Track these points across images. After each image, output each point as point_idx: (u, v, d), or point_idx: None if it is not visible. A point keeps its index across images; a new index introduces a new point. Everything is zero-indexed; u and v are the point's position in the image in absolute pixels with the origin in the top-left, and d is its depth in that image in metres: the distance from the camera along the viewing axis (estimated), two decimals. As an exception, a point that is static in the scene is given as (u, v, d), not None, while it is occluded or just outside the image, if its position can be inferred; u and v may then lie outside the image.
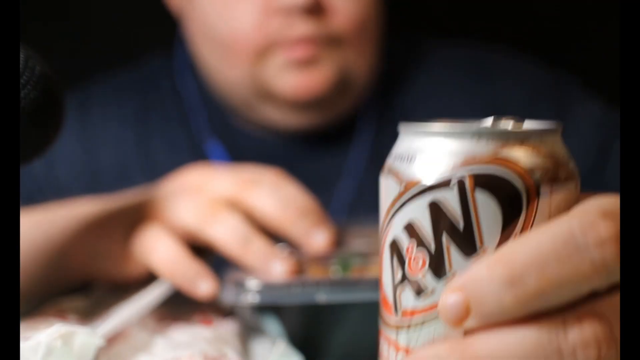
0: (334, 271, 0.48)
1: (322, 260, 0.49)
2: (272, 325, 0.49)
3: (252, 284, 0.45)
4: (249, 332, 0.53)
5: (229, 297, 0.46)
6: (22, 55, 0.37)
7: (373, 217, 0.64)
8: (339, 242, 0.52)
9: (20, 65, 0.37)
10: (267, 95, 0.72)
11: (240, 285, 0.45)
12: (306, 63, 0.68)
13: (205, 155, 0.79)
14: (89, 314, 0.52)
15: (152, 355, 0.44)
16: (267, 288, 0.45)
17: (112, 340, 0.46)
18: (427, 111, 0.78)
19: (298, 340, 0.48)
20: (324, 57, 0.69)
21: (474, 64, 0.84)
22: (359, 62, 0.73)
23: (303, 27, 0.67)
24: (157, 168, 0.78)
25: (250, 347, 0.50)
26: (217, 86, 0.77)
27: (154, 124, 0.80)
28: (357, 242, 0.52)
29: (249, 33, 0.67)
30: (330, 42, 0.69)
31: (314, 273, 0.48)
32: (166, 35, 0.85)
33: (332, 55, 0.70)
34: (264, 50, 0.69)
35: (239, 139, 0.80)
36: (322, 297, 0.44)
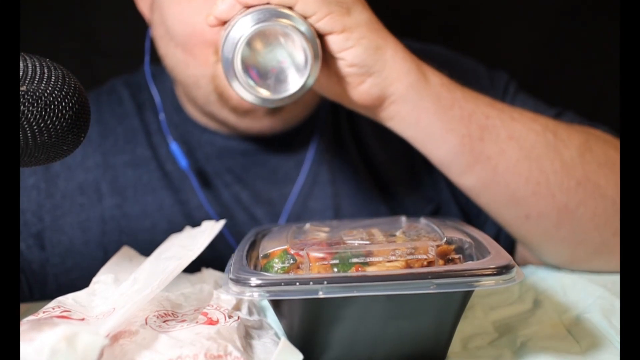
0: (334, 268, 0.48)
1: (323, 258, 0.50)
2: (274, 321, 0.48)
3: (255, 279, 0.45)
4: (251, 330, 0.53)
5: (231, 292, 0.46)
6: (60, 73, 0.45)
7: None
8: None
9: (59, 81, 0.45)
10: (223, 97, 0.73)
11: (242, 281, 0.45)
12: None
13: (166, 169, 0.81)
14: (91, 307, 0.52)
15: (156, 353, 0.45)
16: (269, 283, 0.45)
17: (117, 338, 0.46)
18: None
19: (299, 336, 0.48)
20: None
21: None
22: None
23: None
24: (124, 184, 0.80)
25: (253, 345, 0.50)
26: (181, 88, 0.79)
27: (118, 142, 0.82)
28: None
29: (206, 30, 0.66)
30: None
31: (315, 270, 0.48)
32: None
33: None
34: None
35: (199, 141, 0.82)
36: (323, 292, 0.44)
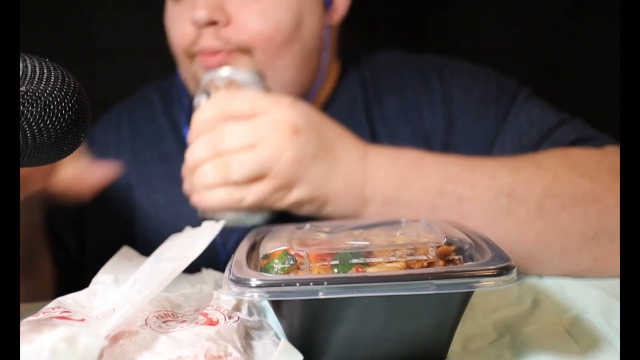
0: (334, 269, 0.48)
1: (323, 258, 0.50)
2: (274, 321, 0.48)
3: (255, 280, 0.45)
4: (251, 330, 0.53)
5: (231, 293, 0.46)
6: (59, 73, 0.45)
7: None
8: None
9: (59, 82, 0.45)
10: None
11: (242, 282, 0.45)
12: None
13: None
14: (90, 307, 0.52)
15: (156, 354, 0.45)
16: (269, 284, 0.45)
17: (117, 339, 0.46)
18: (391, 106, 0.87)
19: (299, 337, 0.48)
20: (235, 64, 0.78)
21: (430, 67, 0.90)
22: (279, 71, 0.79)
23: (209, 39, 0.77)
24: (152, 176, 0.87)
25: (253, 345, 0.50)
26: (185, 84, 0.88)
27: (147, 140, 0.90)
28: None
29: (178, 40, 0.80)
30: (241, 51, 0.78)
31: (315, 271, 0.48)
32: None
33: (244, 62, 0.78)
34: (190, 55, 0.80)
35: None
36: (324, 293, 0.44)
